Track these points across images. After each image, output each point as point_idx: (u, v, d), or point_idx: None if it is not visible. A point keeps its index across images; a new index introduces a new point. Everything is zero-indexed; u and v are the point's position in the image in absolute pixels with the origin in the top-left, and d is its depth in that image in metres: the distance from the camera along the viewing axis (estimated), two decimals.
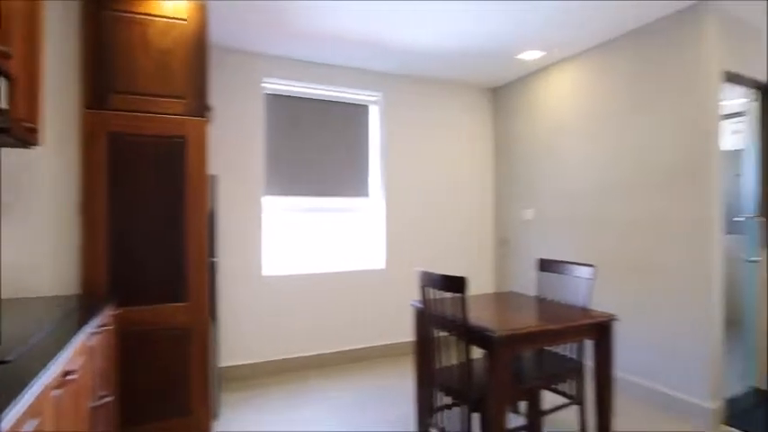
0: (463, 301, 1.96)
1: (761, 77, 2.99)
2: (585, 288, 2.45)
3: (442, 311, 2.11)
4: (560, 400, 2.95)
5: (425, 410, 2.42)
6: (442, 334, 2.19)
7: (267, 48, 3.47)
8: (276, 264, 3.69)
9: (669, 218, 2.88)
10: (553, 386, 2.55)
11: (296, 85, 3.75)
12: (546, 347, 2.63)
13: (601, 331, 2.23)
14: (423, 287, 2.23)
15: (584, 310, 2.33)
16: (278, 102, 3.72)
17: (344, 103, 3.96)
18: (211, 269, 2.69)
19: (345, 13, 2.88)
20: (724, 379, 3.20)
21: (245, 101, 3.54)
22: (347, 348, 3.85)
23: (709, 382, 2.66)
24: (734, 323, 4.45)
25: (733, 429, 2.61)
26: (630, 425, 2.68)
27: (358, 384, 3.36)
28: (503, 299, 2.63)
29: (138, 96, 2.29)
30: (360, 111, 4.03)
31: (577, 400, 2.47)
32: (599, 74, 3.36)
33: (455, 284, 1.97)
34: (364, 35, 3.23)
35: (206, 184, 2.39)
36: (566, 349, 2.59)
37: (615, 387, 3.20)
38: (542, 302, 2.52)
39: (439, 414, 2.28)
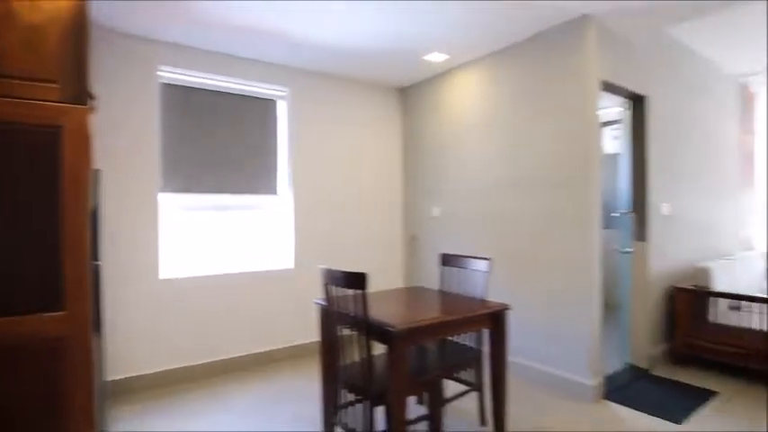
0: (364, 297, 1.98)
1: (632, 88, 3.36)
2: (483, 280, 2.59)
3: (345, 308, 2.11)
4: (462, 387, 3.09)
5: (330, 409, 2.41)
6: (346, 331, 2.19)
7: (164, 34, 3.24)
8: (176, 265, 3.46)
9: (558, 214, 3.13)
10: (455, 375, 2.67)
11: (197, 75, 3.53)
12: (447, 338, 2.74)
13: (495, 320, 2.37)
14: (326, 285, 2.21)
15: (482, 301, 2.46)
16: (176, 92, 3.48)
17: (251, 96, 3.81)
18: (95, 274, 2.44)
19: (250, 4, 2.77)
20: (604, 358, 3.55)
21: (139, 89, 3.27)
22: (255, 351, 3.72)
23: (590, 362, 2.95)
24: (613, 307, 4.98)
25: (610, 403, 2.91)
26: (524, 405, 2.89)
27: (266, 387, 3.26)
28: (407, 294, 2.69)
29: (3, 79, 2.01)
30: (267, 105, 3.90)
31: (477, 386, 2.61)
32: (499, 78, 3.57)
33: (356, 281, 1.98)
34: (270, 28, 3.13)
35: (87, 180, 2.16)
36: (466, 339, 2.72)
37: (512, 371, 3.43)
38: (444, 296, 2.62)
39: (343, 411, 2.28)
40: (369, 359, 2.01)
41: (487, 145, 3.66)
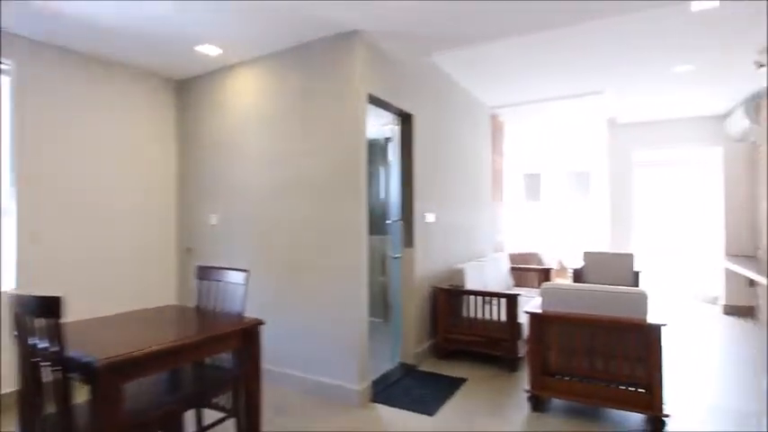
0: (57, 327, 1.56)
1: (401, 106, 3.61)
2: (240, 294, 2.38)
3: (42, 342, 1.64)
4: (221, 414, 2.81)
5: None
6: (49, 372, 1.71)
7: None
8: None
9: (331, 221, 3.14)
10: (215, 400, 2.39)
11: None
12: (204, 361, 2.44)
13: (247, 337, 2.18)
14: (17, 315, 1.70)
15: (238, 317, 2.24)
16: None
17: None
18: None
19: None
20: (378, 359, 3.70)
21: None
22: None
23: (358, 368, 3.00)
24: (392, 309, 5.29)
25: (376, 405, 3.01)
26: (292, 418, 2.77)
27: None
28: (149, 315, 2.30)
29: None
30: None
31: (233, 411, 2.37)
32: (278, 80, 3.44)
33: (47, 307, 1.55)
34: None
35: None
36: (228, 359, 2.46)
37: (286, 384, 3.28)
38: (198, 314, 2.33)
39: None
40: (65, 405, 1.59)
41: (268, 150, 3.49)
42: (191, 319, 2.28)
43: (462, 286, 3.92)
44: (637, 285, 4.98)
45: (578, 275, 5.34)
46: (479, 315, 3.81)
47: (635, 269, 5.16)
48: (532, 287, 5.36)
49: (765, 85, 4.85)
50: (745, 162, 5.76)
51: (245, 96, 3.63)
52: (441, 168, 4.29)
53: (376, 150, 4.84)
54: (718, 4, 3.10)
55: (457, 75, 4.57)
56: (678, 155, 6.82)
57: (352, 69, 3.05)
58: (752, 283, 5.55)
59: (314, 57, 3.23)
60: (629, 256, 5.29)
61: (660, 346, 2.52)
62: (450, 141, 4.53)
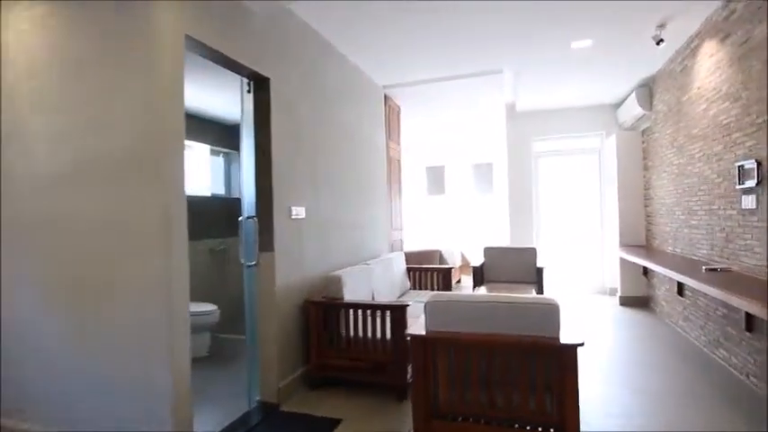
0: None
1: (252, 65, 2.72)
2: None
3: None
4: None
5: None
6: None
7: None
8: None
9: (134, 220, 2.16)
10: None
11: None
12: None
13: None
14: None
15: None
16: None
17: None
18: None
19: None
20: (231, 400, 2.80)
21: None
22: None
23: (174, 425, 2.07)
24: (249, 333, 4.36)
25: None
26: None
27: None
28: None
29: None
30: None
31: None
32: (53, 20, 2.37)
33: None
34: None
35: None
36: None
37: None
38: None
39: None
40: None
41: (45, 122, 2.39)
42: None
43: (340, 298, 3.13)
44: (541, 282, 4.57)
45: (478, 273, 4.82)
46: (361, 333, 3.04)
47: (538, 265, 4.75)
48: (433, 289, 4.75)
49: (659, 69, 4.69)
50: (637, 150, 5.67)
51: (10, 44, 2.50)
52: (315, 150, 3.47)
53: (233, 135, 3.87)
54: None
55: (343, 47, 3.83)
56: (577, 144, 6.69)
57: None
58: (645, 272, 5.47)
59: None
60: (532, 251, 4.89)
61: (576, 372, 1.92)
62: (330, 120, 3.73)
